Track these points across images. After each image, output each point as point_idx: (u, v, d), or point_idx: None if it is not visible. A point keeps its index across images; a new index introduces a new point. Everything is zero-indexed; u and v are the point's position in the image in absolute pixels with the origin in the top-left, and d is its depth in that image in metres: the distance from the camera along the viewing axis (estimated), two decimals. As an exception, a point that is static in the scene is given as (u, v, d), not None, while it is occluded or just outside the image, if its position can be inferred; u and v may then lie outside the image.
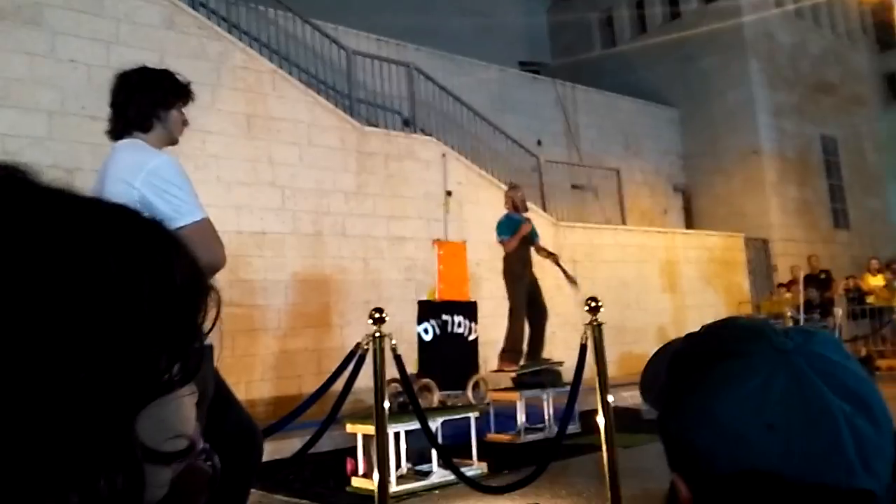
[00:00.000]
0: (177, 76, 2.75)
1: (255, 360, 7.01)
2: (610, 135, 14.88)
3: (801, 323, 9.85)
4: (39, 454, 0.42)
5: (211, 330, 0.54)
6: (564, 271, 7.35)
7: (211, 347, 0.89)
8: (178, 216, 2.25)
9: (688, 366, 0.71)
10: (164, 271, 0.50)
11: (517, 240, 7.01)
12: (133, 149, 2.53)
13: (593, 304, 3.38)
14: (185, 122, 2.77)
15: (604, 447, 3.31)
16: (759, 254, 14.42)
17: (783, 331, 0.70)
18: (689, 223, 15.83)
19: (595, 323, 3.39)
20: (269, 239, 7.50)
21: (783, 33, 16.45)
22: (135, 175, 2.35)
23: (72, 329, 0.44)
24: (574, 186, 13.07)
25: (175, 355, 0.49)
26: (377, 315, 3.28)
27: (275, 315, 7.33)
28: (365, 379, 3.56)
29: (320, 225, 8.02)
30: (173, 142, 2.72)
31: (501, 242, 7.10)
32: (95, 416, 0.44)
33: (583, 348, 3.50)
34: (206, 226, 2.32)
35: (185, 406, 0.52)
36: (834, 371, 0.66)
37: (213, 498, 0.67)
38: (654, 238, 12.50)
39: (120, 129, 2.62)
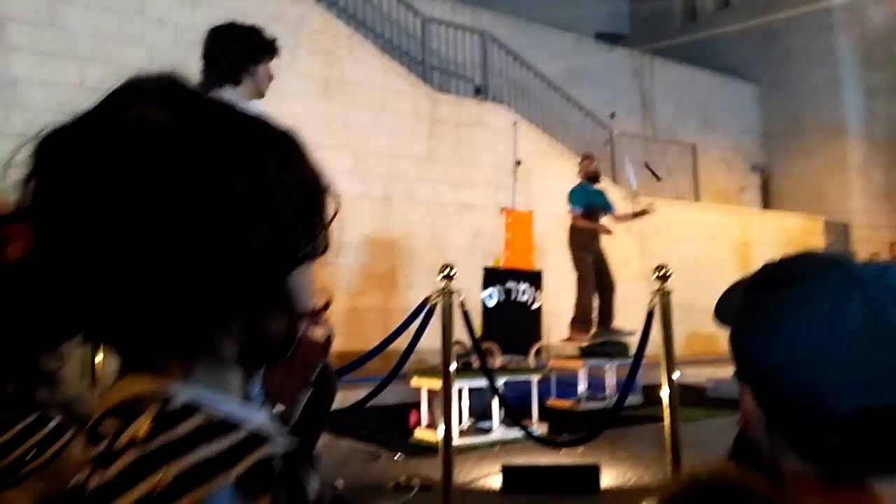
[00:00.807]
0: (265, 33, 2.86)
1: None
2: (687, 109, 14.44)
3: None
4: (221, 291, 0.54)
5: (332, 220, 0.64)
6: (641, 212, 7.27)
7: None
8: None
9: (763, 286, 0.74)
10: (299, 170, 0.62)
11: (586, 223, 6.94)
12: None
13: (662, 271, 3.36)
14: (270, 77, 2.89)
15: (666, 416, 3.29)
16: (839, 238, 13.87)
17: (860, 263, 0.73)
18: (766, 203, 15.33)
19: (663, 291, 3.37)
20: (341, 200, 7.67)
21: (875, 11, 15.55)
22: None
23: (245, 209, 0.55)
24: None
25: (309, 235, 0.61)
26: (447, 271, 3.36)
27: (345, 274, 7.51)
28: (428, 340, 3.67)
29: (390, 189, 8.14)
30: (260, 95, 2.85)
31: (572, 213, 7.05)
32: (262, 273, 0.56)
33: (649, 316, 3.47)
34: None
35: (312, 278, 0.63)
36: (906, 302, 0.68)
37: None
38: (728, 217, 12.18)
39: (211, 81, 2.75)
